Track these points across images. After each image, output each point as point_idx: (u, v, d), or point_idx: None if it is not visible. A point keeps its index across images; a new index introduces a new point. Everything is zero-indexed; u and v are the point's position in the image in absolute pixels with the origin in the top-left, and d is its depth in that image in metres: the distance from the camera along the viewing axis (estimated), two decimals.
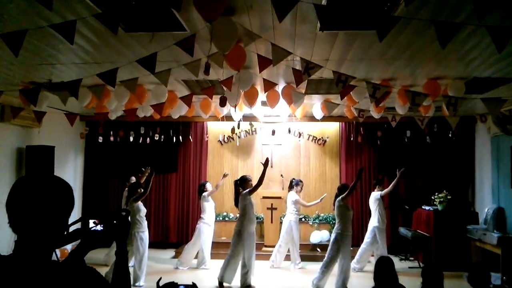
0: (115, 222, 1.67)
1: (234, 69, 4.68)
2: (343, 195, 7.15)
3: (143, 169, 8.62)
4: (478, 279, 4.16)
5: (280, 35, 4.51)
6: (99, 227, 1.64)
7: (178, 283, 2.51)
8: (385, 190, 8.73)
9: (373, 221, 8.65)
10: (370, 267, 7.71)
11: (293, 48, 4.74)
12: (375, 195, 8.78)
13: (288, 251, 8.96)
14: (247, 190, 7.47)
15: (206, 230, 8.73)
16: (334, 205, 7.30)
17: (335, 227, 7.23)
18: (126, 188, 8.81)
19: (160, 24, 4.24)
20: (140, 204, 7.36)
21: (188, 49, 3.98)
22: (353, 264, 8.37)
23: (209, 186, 8.92)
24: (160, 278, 2.65)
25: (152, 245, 10.48)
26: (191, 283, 2.55)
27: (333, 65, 5.48)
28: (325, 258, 7.19)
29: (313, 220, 10.40)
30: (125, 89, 5.88)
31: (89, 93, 6.28)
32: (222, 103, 5.23)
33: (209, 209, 8.82)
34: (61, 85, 5.22)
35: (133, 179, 9.09)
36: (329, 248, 7.18)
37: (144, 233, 7.35)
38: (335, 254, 7.06)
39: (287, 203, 9.01)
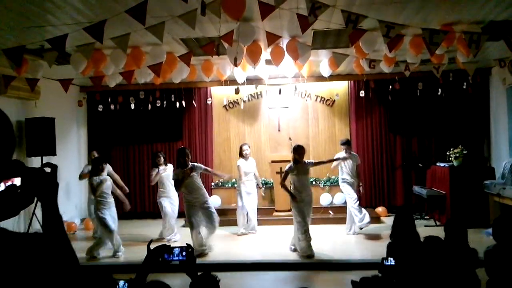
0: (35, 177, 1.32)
1: (233, 18, 4.32)
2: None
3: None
4: (505, 233, 3.89)
5: None
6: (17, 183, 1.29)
7: (172, 246, 2.26)
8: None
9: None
10: None
11: None
12: None
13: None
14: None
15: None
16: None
17: None
18: (86, 164, 8.83)
19: None
20: (103, 179, 7.00)
21: None
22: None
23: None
24: (151, 241, 2.42)
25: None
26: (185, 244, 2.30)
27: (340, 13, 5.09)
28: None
29: (324, 183, 10.13)
30: (122, 52, 5.58)
31: (84, 58, 5.95)
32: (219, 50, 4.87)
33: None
34: (47, 42, 4.87)
35: (95, 153, 8.78)
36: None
37: (105, 210, 6.89)
38: None
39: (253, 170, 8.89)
